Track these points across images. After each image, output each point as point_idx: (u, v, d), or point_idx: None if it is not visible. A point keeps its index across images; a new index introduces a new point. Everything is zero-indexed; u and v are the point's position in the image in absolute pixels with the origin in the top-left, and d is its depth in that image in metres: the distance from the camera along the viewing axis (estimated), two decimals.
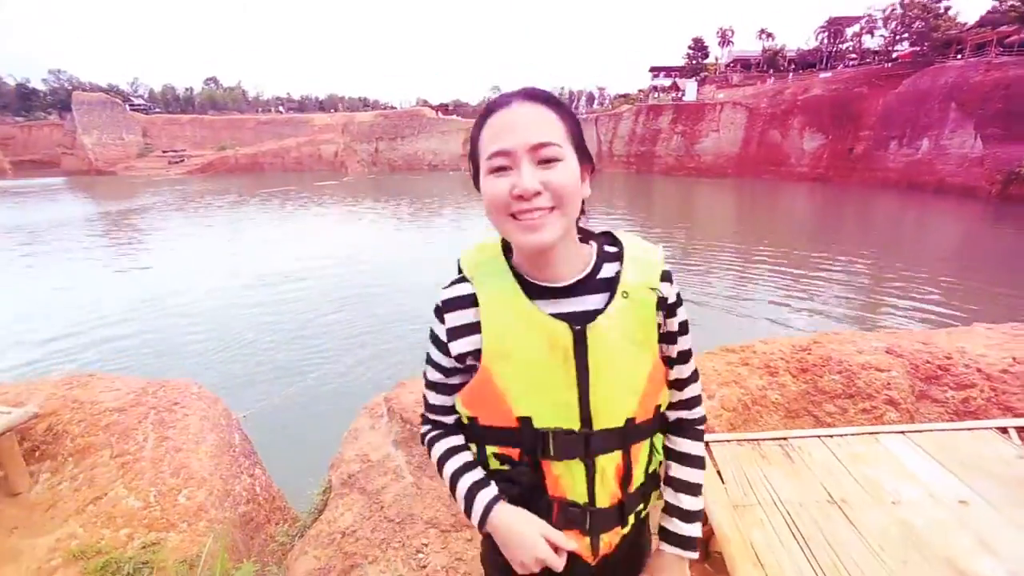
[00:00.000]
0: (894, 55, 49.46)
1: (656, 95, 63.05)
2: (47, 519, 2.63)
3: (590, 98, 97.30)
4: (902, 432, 1.91)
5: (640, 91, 72.54)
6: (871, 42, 53.74)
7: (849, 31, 55.06)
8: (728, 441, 1.93)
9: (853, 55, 54.92)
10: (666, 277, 0.91)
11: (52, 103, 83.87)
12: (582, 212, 0.90)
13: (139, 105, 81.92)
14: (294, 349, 10.39)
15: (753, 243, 20.87)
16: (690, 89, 56.63)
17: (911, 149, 36.70)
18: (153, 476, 2.89)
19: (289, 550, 2.71)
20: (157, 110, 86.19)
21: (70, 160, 64.34)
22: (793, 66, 57.50)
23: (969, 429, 1.91)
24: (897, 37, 48.92)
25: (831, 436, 1.92)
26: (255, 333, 11.21)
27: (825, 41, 56.75)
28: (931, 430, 1.92)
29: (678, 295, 0.93)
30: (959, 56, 40.92)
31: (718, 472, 1.74)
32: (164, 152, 67.05)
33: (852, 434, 1.93)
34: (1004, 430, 1.90)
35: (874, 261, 17.40)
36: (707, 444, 1.90)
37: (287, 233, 24.51)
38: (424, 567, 2.17)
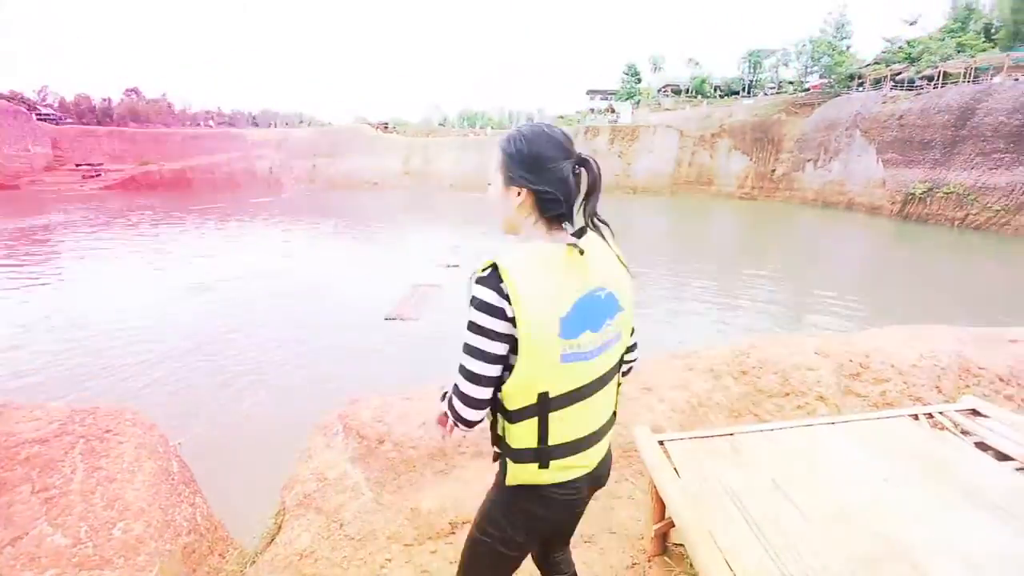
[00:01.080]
0: (806, 85, 54.00)
1: (593, 116, 65.42)
2: None
3: (529, 118, 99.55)
4: (831, 423, 2.11)
5: (578, 112, 75.08)
6: (786, 73, 58.47)
7: (767, 62, 59.64)
8: (681, 439, 2.05)
9: (771, 84, 59.47)
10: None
11: None
12: (540, 213, 1.21)
13: (48, 115, 75.69)
14: (227, 369, 9.88)
15: (690, 257, 21.96)
16: (625, 111, 59.17)
17: (825, 171, 40.02)
18: (83, 510, 2.68)
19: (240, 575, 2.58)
20: (69, 121, 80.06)
21: None
22: (719, 92, 61.51)
23: (886, 418, 2.14)
24: (808, 70, 53.48)
25: (772, 430, 2.09)
26: (183, 354, 10.58)
27: (747, 70, 61.15)
28: (855, 420, 2.13)
29: None
30: (860, 88, 45.29)
31: (675, 469, 1.85)
32: (77, 166, 62.19)
33: (790, 427, 2.11)
34: (915, 417, 2.14)
35: (798, 271, 18.75)
36: (662, 443, 2.02)
37: (215, 250, 23.32)
38: None
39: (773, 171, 45.40)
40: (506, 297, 1.05)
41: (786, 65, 57.72)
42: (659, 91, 64.97)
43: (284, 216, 36.97)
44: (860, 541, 1.48)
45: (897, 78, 41.98)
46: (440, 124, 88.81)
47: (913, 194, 32.16)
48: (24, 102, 76.20)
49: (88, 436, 3.10)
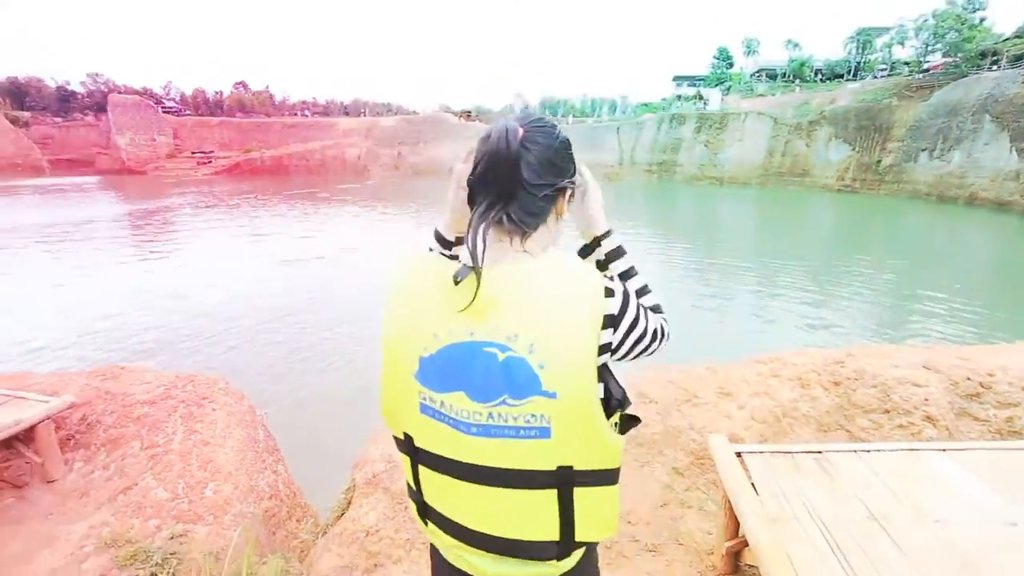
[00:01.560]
0: (925, 66, 48.44)
1: (679, 104, 62.68)
2: (80, 506, 2.69)
3: (612, 106, 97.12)
4: (943, 450, 1.85)
5: (663, 100, 72.24)
6: (902, 53, 52.72)
7: (879, 41, 54.08)
8: (762, 452, 1.89)
9: (883, 66, 53.91)
10: None
11: (89, 105, 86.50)
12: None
13: (171, 107, 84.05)
14: (317, 347, 10.53)
15: (779, 253, 20.53)
16: (714, 98, 56.17)
17: (942, 162, 35.83)
18: (181, 469, 2.94)
19: (311, 547, 2.72)
20: (188, 112, 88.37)
21: (104, 160, 66.31)
22: (820, 76, 56.68)
23: (1016, 449, 1.85)
24: (929, 48, 47.90)
25: (868, 451, 1.87)
26: (278, 330, 11.40)
27: (854, 51, 55.83)
28: (975, 448, 1.85)
29: None
30: (994, 67, 39.90)
31: (752, 484, 1.71)
32: (192, 153, 68.71)
33: (891, 450, 1.87)
34: None
35: (904, 274, 16.99)
36: (739, 455, 1.87)
37: (305, 231, 24.85)
38: None
39: (879, 162, 41.31)
40: None
41: (901, 44, 51.94)
42: (752, 76, 61.01)
43: (369, 201, 38.75)
44: None
45: None
46: (522, 112, 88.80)
47: None
48: (152, 97, 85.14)
49: (187, 401, 3.40)
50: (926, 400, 2.31)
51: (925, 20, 46.74)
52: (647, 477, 2.39)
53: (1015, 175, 30.69)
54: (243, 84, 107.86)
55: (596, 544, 0.96)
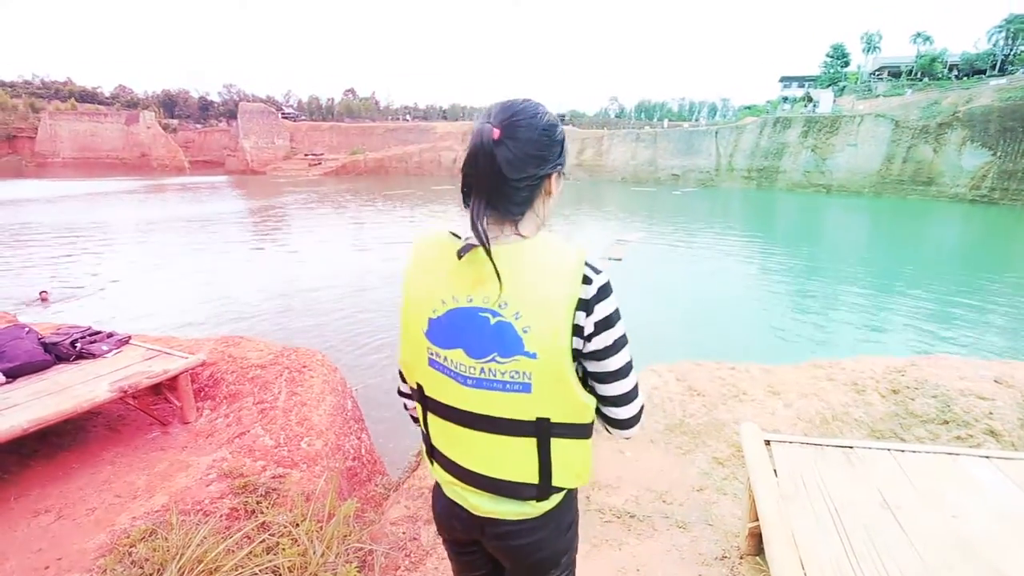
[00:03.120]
0: None
1: (786, 106, 58.78)
2: (207, 444, 3.28)
3: (712, 109, 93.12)
4: (988, 457, 1.80)
5: (768, 102, 68.11)
6: None
7: None
8: (790, 443, 1.94)
9: None
10: None
11: (223, 112, 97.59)
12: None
13: (289, 114, 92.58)
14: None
15: (890, 270, 18.75)
16: (825, 99, 52.09)
17: None
18: (283, 423, 3.47)
19: (384, 499, 3.11)
20: (303, 118, 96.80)
21: (232, 161, 74.43)
22: (956, 72, 50.63)
23: None
24: None
25: (903, 451, 1.85)
26: (368, 313, 12.49)
27: (1000, 43, 49.24)
28: (1020, 458, 1.78)
29: None
30: None
31: (774, 471, 1.79)
32: (305, 155, 75.10)
33: (928, 452, 1.84)
34: None
35: None
36: (767, 443, 1.95)
37: (404, 226, 26.40)
38: None
39: None
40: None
41: None
42: (872, 75, 55.74)
43: (458, 201, 40.34)
44: (965, 573, 1.30)
45: None
46: (616, 116, 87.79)
47: None
48: (274, 104, 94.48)
49: (291, 368, 3.96)
50: (990, 413, 2.19)
51: None
52: (687, 464, 2.49)
53: None
54: (352, 91, 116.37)
55: (575, 491, 1.10)
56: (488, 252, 0.86)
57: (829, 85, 56.67)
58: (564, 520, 1.07)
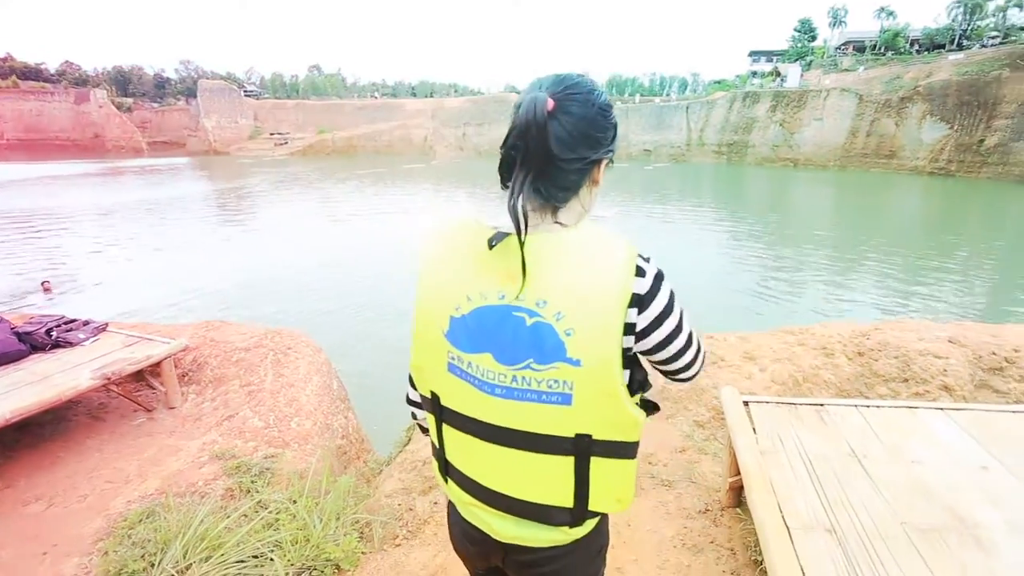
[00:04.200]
0: None
1: (754, 81, 59.39)
2: (195, 428, 3.29)
3: (683, 84, 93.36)
4: (941, 409, 1.97)
5: (737, 77, 68.68)
6: (1019, 17, 46.97)
7: (991, 5, 48.45)
8: (767, 403, 2.08)
9: (995, 33, 48.36)
10: None
11: (181, 90, 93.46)
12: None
13: (251, 91, 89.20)
14: (385, 305, 11.40)
15: (861, 240, 19.41)
16: (793, 74, 52.82)
17: None
18: (272, 404, 3.49)
19: (376, 474, 3.18)
20: (266, 96, 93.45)
21: (193, 141, 71.62)
22: (917, 47, 51.78)
23: (1017, 412, 1.94)
24: None
25: (868, 407, 2.02)
26: (348, 292, 12.44)
27: (960, 17, 50.42)
28: (974, 409, 1.96)
29: None
30: None
31: (753, 429, 1.92)
32: (271, 134, 72.74)
33: (890, 406, 2.01)
34: None
35: (998, 262, 15.68)
36: (747, 404, 2.08)
37: (377, 206, 26.03)
38: None
39: (981, 141, 37.55)
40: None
41: (1020, 7, 46.19)
42: (837, 49, 56.62)
43: (431, 181, 39.84)
44: (926, 513, 1.45)
45: None
46: (563, 78, 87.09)
47: None
48: (235, 81, 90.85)
49: (276, 350, 3.96)
50: (944, 371, 2.38)
51: None
52: (670, 427, 2.62)
53: None
54: (317, 68, 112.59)
55: (608, 515, 0.98)
56: (521, 239, 0.75)
57: (797, 59, 57.40)
58: (595, 545, 0.96)
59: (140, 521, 2.33)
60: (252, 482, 2.80)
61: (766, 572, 1.38)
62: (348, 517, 2.43)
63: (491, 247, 0.79)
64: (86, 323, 3.74)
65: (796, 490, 1.60)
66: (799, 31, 61.72)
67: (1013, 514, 1.45)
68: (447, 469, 0.96)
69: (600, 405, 0.79)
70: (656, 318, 0.81)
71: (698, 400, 2.70)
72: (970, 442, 1.77)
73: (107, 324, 3.85)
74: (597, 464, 0.84)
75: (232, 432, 3.22)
